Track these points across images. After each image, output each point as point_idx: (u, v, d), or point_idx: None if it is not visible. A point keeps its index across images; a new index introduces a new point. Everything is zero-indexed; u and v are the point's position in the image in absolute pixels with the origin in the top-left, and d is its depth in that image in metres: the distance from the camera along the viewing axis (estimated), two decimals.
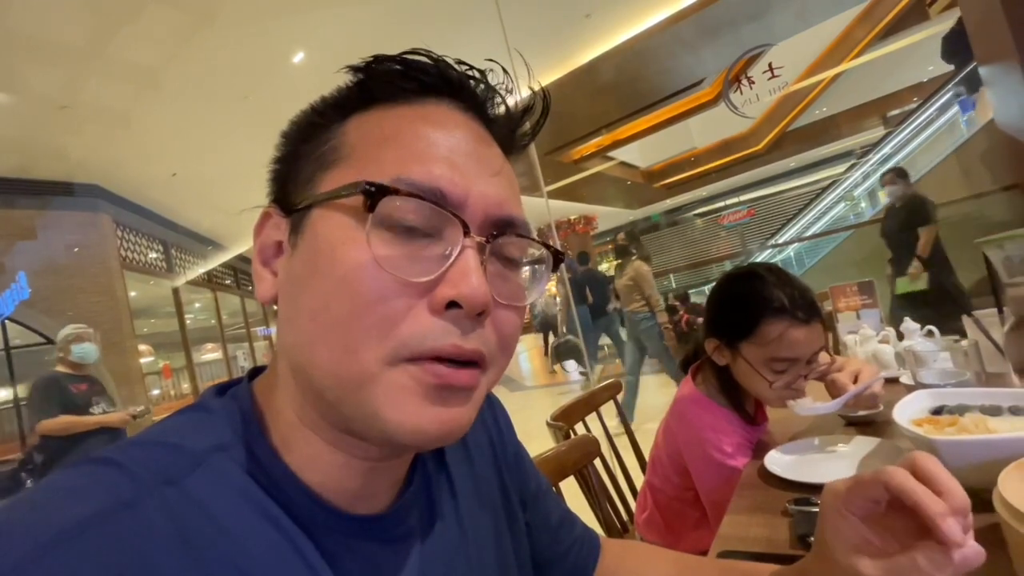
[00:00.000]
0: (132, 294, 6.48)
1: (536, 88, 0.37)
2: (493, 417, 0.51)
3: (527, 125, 0.38)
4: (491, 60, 0.36)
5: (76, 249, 5.86)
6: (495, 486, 0.47)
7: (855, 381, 0.89)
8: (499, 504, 0.46)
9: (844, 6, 5.77)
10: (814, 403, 0.89)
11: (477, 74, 0.35)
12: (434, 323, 0.29)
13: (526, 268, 0.36)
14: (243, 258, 9.30)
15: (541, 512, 0.52)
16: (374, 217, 0.29)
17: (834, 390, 0.90)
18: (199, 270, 8.30)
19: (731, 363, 0.95)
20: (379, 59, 0.33)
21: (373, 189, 0.28)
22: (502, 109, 0.36)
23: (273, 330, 11.66)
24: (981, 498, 0.48)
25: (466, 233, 0.30)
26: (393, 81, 0.33)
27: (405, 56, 0.33)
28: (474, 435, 0.48)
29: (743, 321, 0.90)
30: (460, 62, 0.35)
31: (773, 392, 0.89)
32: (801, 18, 5.40)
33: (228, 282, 9.46)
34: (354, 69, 0.33)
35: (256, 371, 0.37)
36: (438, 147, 0.31)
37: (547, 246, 0.36)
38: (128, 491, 0.26)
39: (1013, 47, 2.36)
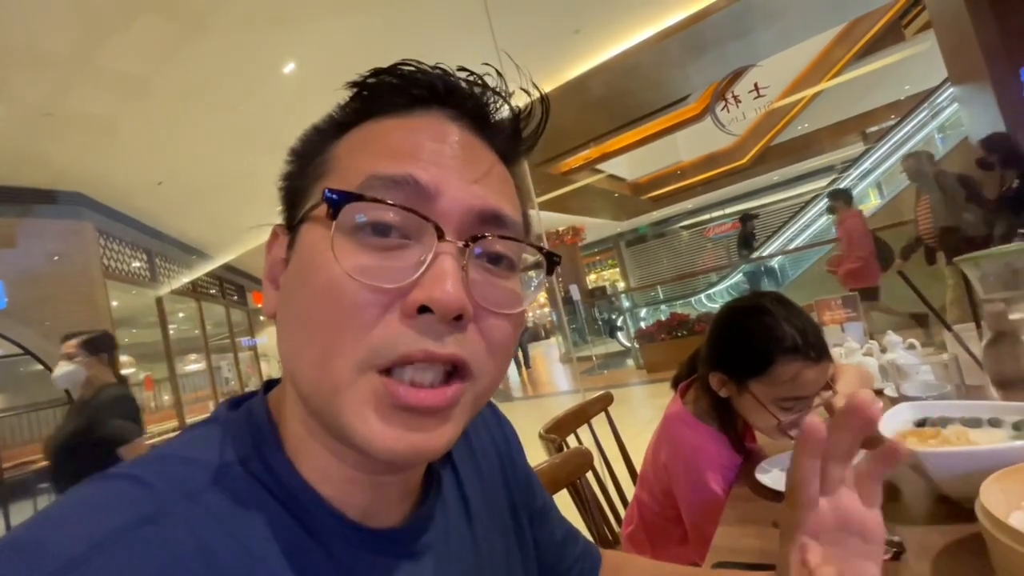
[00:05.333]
0: (114, 304, 6.33)
1: (534, 93, 0.36)
2: (502, 434, 0.51)
3: (526, 131, 0.37)
4: (487, 64, 0.36)
5: (56, 258, 5.71)
6: (504, 503, 0.47)
7: None
8: (508, 521, 0.47)
9: (824, 27, 5.95)
10: None
11: (471, 81, 0.34)
12: (405, 329, 0.28)
13: (522, 274, 0.35)
14: (229, 267, 9.17)
15: (547, 528, 0.52)
16: (339, 224, 0.29)
17: (831, 414, 0.90)
18: (183, 279, 8.14)
19: (734, 396, 0.92)
20: (375, 73, 0.33)
21: (335, 197, 0.29)
22: (500, 115, 0.35)
23: (257, 341, 11.56)
24: (964, 508, 0.50)
25: (440, 237, 0.29)
26: (384, 95, 0.33)
27: (398, 67, 0.33)
28: (484, 452, 0.48)
29: (754, 360, 0.87)
30: (462, 68, 0.34)
31: (780, 429, 0.87)
32: (783, 38, 5.56)
33: (213, 292, 9.28)
34: (351, 85, 0.34)
35: (271, 384, 0.37)
36: (417, 146, 0.31)
37: (538, 248, 0.35)
38: (150, 506, 0.26)
39: (984, 68, 2.45)
